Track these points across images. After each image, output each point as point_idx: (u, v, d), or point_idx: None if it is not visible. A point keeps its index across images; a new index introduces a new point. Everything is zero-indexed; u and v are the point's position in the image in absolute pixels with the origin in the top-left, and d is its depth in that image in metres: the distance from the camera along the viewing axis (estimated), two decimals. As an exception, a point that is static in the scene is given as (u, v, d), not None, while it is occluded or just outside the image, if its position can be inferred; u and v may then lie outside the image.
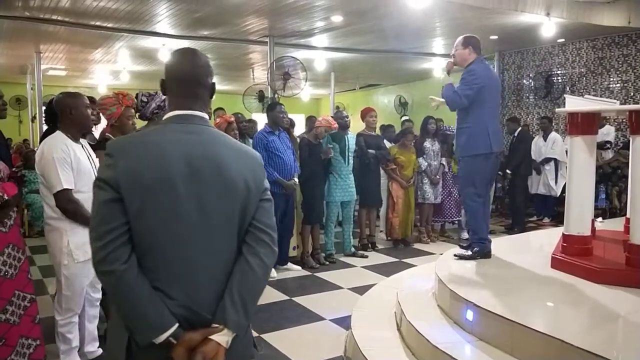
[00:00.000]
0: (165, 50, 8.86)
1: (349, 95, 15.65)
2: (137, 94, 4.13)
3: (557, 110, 3.95)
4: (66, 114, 2.95)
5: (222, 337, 1.38)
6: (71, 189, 2.83)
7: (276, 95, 8.28)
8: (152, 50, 9.21)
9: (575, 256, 3.46)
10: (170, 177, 1.37)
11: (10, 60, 10.16)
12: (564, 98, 3.71)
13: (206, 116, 1.54)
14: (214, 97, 1.63)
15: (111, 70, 11.53)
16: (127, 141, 1.49)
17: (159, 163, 1.38)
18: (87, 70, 11.61)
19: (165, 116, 1.52)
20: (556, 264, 3.54)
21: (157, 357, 1.36)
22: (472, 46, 3.91)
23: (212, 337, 1.37)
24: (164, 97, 4.09)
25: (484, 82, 3.81)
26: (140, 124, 4.33)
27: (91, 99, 3.61)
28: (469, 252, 3.94)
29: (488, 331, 2.76)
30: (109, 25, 7.73)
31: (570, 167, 3.59)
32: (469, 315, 2.88)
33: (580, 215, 3.52)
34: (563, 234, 3.61)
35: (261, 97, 8.73)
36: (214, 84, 1.59)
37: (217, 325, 1.39)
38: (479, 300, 2.88)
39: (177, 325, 1.35)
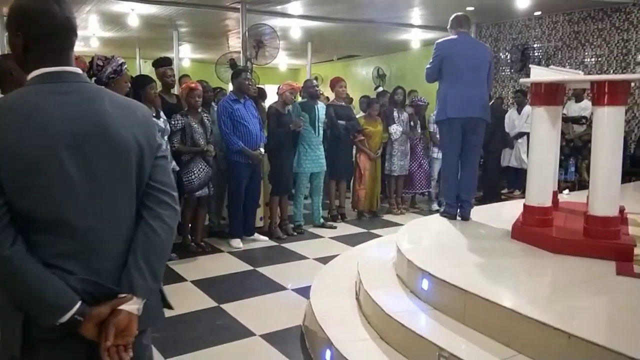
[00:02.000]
0: (134, 15, 8.58)
1: (327, 66, 15.46)
2: (92, 58, 3.98)
3: (521, 80, 3.93)
4: (7, 76, 2.83)
5: (132, 306, 1.30)
6: None
7: (249, 64, 8.09)
8: (121, 15, 8.91)
9: (535, 226, 3.47)
10: (53, 145, 1.23)
11: (-29, 24, 9.73)
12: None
13: (80, 71, 1.36)
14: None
15: (81, 36, 11.14)
16: None
17: (37, 131, 1.22)
18: (55, 36, 11.22)
19: (31, 75, 1.32)
20: (516, 234, 3.55)
21: (60, 335, 1.26)
22: (450, 27, 4.28)
23: (121, 307, 1.29)
24: (120, 61, 3.97)
25: (443, 54, 4.11)
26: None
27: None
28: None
29: (442, 300, 2.76)
30: (76, -13, 7.44)
31: (533, 138, 3.58)
32: (424, 284, 2.88)
33: (541, 186, 3.52)
34: (524, 205, 3.61)
35: (233, 65, 8.51)
36: None
37: (124, 295, 1.31)
38: (435, 269, 2.87)
39: (80, 302, 1.25)
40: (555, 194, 4.00)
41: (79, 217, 1.27)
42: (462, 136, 4.13)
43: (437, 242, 3.68)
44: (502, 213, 4.61)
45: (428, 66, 4.19)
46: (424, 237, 3.88)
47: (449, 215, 4.23)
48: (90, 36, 10.85)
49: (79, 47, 11.54)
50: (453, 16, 4.28)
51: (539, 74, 3.63)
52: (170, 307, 1.51)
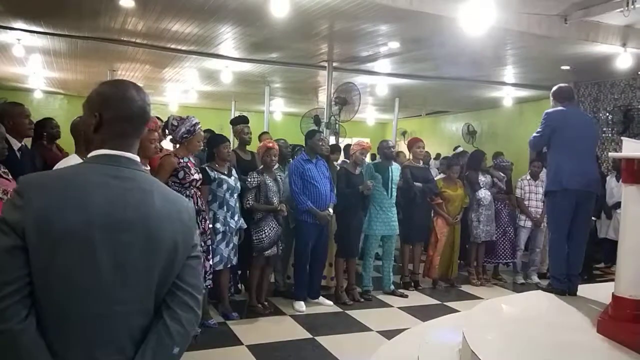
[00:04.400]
0: (228, 72, 9.02)
1: (415, 121, 15.29)
2: (168, 118, 4.15)
3: (610, 154, 3.57)
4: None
5: None
6: None
7: (332, 118, 8.18)
8: (216, 72, 9.42)
9: (625, 322, 3.02)
10: (89, 225, 1.22)
11: (86, 77, 10.74)
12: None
13: (138, 159, 1.39)
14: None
15: (181, 89, 11.92)
16: (42, 180, 1.29)
17: (77, 208, 1.22)
18: (158, 88, 12.06)
19: (91, 154, 1.35)
20: (603, 328, 3.11)
21: None
22: (553, 98, 4.24)
23: None
24: (195, 121, 4.08)
25: (554, 124, 4.05)
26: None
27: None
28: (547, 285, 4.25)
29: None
30: (179, 47, 7.96)
31: (624, 220, 3.17)
32: (486, 384, 2.55)
33: (633, 276, 3.08)
34: (613, 295, 3.17)
35: (317, 121, 8.63)
36: None
37: None
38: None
39: None
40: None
41: (94, 303, 1.23)
42: (574, 209, 4.01)
43: (509, 331, 3.30)
44: (592, 296, 4.11)
45: (536, 135, 4.17)
46: (495, 322, 3.51)
47: (557, 291, 4.01)
48: (189, 89, 11.54)
49: (181, 99, 12.35)
50: (556, 88, 4.24)
51: (632, 148, 3.24)
52: None
